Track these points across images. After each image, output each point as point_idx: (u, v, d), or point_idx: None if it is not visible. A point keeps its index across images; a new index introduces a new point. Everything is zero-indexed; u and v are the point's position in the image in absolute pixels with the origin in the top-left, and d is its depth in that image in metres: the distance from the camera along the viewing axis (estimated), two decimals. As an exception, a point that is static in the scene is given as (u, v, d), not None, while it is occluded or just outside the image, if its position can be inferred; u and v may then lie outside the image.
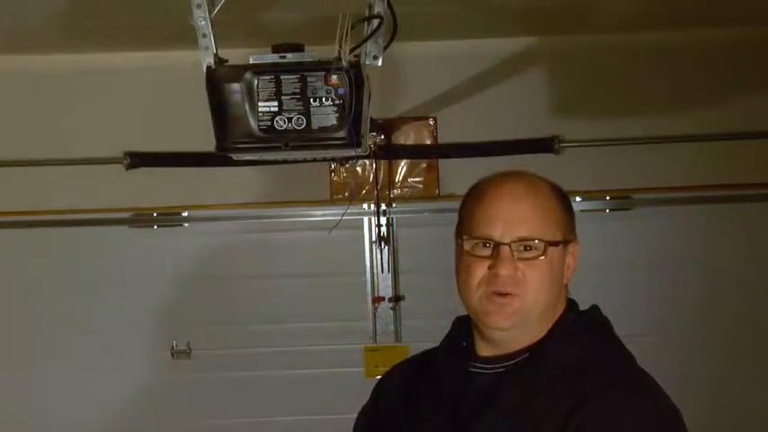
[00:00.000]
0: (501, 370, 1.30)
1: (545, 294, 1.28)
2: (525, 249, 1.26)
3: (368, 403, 1.47)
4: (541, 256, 1.26)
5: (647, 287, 2.88)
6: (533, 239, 1.26)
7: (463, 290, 1.31)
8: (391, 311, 2.95)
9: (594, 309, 1.35)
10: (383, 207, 2.92)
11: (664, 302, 2.89)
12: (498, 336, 1.30)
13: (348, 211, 2.90)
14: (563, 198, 1.32)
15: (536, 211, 1.28)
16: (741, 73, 2.87)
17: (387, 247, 2.93)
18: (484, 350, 1.32)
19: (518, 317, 1.27)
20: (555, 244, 1.27)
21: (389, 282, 2.94)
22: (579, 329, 1.31)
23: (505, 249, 1.26)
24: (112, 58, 2.83)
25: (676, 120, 2.87)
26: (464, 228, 1.31)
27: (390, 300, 2.94)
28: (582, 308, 1.36)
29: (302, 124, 1.44)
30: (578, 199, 2.87)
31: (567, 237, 1.30)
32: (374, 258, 2.96)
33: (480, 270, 1.28)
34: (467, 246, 1.30)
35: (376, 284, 2.96)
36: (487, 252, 1.27)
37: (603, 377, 1.23)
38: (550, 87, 2.88)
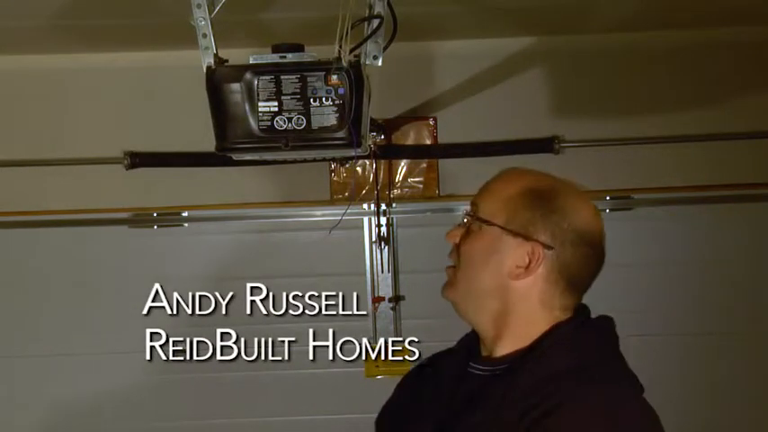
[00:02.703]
0: (488, 373, 1.30)
1: (476, 273, 1.29)
2: (465, 219, 1.31)
3: (389, 398, 1.55)
4: (464, 225, 1.30)
5: (646, 287, 2.88)
6: (468, 212, 1.30)
7: None
8: (391, 311, 2.96)
9: (599, 320, 1.32)
10: (383, 207, 2.92)
11: (663, 302, 2.89)
12: (458, 314, 1.33)
13: (348, 211, 2.90)
14: (535, 194, 1.28)
15: (489, 191, 1.31)
16: (741, 73, 2.87)
17: (387, 247, 2.93)
18: (483, 351, 1.34)
19: (454, 290, 1.31)
20: (486, 222, 1.28)
21: (389, 282, 2.94)
22: (569, 341, 1.27)
23: (460, 219, 1.32)
24: (112, 58, 2.83)
25: (676, 120, 2.86)
26: None
27: (390, 300, 2.95)
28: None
29: (302, 124, 1.44)
30: (578, 199, 2.88)
31: (520, 229, 1.26)
32: (374, 258, 2.96)
33: None
34: None
35: (376, 284, 2.96)
36: None
37: (571, 394, 1.19)
38: (550, 87, 2.87)
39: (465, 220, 1.31)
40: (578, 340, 1.27)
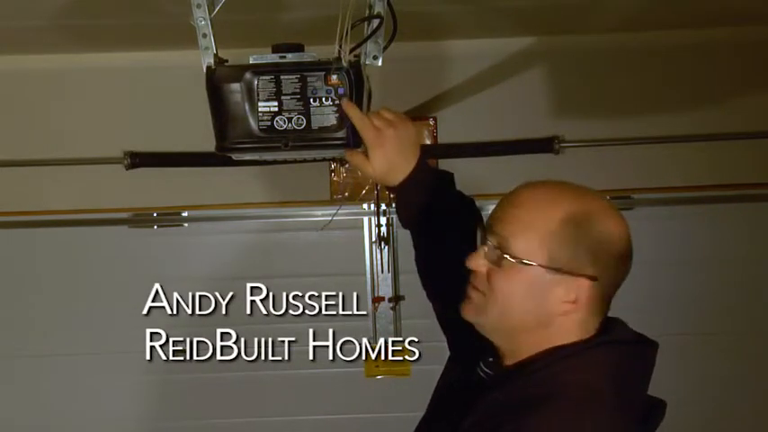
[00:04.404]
0: (485, 379, 1.31)
1: (514, 309, 1.23)
2: (494, 251, 1.24)
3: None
4: (496, 264, 1.23)
5: (646, 287, 2.87)
6: (497, 246, 1.23)
7: None
8: (391, 311, 2.96)
9: (599, 344, 1.26)
10: (383, 207, 2.92)
11: (663, 302, 2.89)
12: (482, 333, 1.30)
13: (348, 210, 2.90)
14: (574, 226, 1.22)
15: (520, 221, 1.23)
16: (741, 73, 2.87)
17: (387, 247, 2.93)
18: (494, 354, 1.33)
19: (480, 315, 1.26)
20: (521, 261, 1.21)
21: (389, 282, 2.94)
22: (566, 362, 1.23)
23: (481, 246, 1.27)
24: (112, 58, 2.83)
25: (676, 120, 2.87)
26: None
27: (390, 300, 2.95)
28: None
29: (302, 124, 1.44)
30: (578, 199, 2.88)
31: (563, 267, 1.21)
32: (374, 258, 2.96)
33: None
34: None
35: (376, 284, 2.96)
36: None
37: (533, 418, 1.16)
38: (550, 87, 2.87)
39: (488, 250, 1.24)
40: (574, 366, 1.23)
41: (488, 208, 1.31)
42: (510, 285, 1.23)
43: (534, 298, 1.23)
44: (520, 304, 1.23)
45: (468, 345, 1.36)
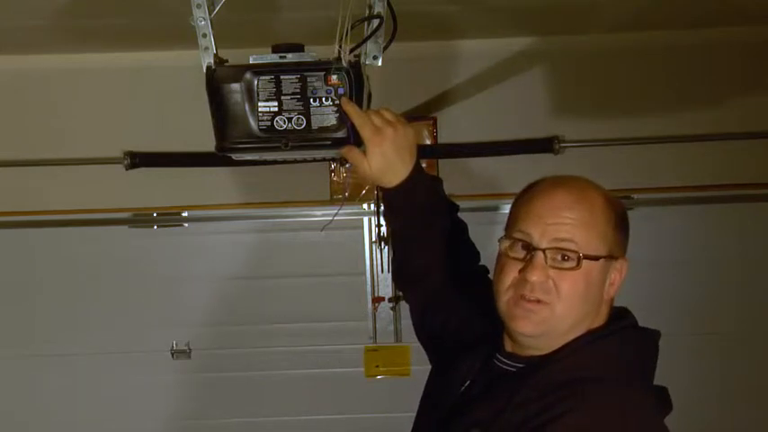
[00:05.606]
0: (511, 369, 1.30)
1: (577, 307, 1.26)
2: (562, 259, 1.24)
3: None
4: (576, 268, 1.24)
5: (646, 287, 2.87)
6: (570, 250, 1.24)
7: (495, 289, 1.31)
8: (391, 311, 2.96)
9: (619, 329, 1.32)
10: (383, 207, 2.91)
11: (663, 302, 2.88)
12: (523, 340, 1.29)
13: (348, 211, 2.90)
14: (616, 213, 1.31)
15: (580, 222, 1.26)
16: (741, 73, 2.87)
17: (387, 247, 2.93)
18: (507, 345, 1.33)
19: (545, 326, 1.26)
20: (594, 258, 1.25)
21: (389, 282, 2.94)
22: (594, 346, 1.28)
23: (539, 255, 1.24)
24: (112, 58, 2.83)
25: (676, 120, 2.87)
26: (506, 227, 1.32)
27: (390, 300, 2.94)
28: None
29: (302, 124, 1.43)
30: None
31: (613, 253, 1.28)
32: (374, 258, 2.96)
33: (512, 272, 1.27)
34: (504, 244, 1.30)
35: (376, 284, 2.96)
36: (522, 255, 1.27)
37: (581, 400, 1.19)
38: (550, 87, 2.87)
39: (550, 258, 1.25)
40: (602, 349, 1.28)
41: (504, 207, 1.31)
42: (578, 284, 1.25)
43: (596, 288, 1.27)
44: (584, 299, 1.26)
45: (458, 344, 1.40)
